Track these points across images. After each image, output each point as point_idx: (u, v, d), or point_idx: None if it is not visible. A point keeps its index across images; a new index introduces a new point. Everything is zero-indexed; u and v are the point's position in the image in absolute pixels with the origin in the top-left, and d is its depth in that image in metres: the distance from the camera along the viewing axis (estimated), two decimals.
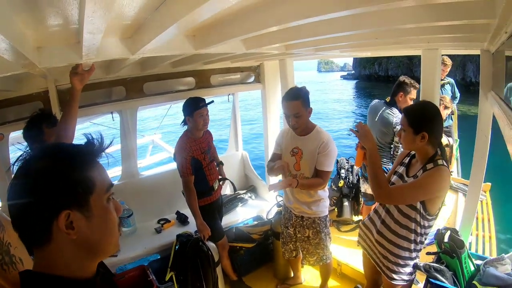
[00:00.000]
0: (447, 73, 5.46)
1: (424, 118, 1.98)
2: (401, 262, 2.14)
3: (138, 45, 1.59)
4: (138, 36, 1.60)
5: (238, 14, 1.47)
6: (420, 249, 2.17)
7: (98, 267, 0.90)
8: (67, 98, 1.98)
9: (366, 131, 2.09)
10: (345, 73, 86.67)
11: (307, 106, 2.61)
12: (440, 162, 1.95)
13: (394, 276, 2.17)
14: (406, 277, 2.19)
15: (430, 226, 2.09)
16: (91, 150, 0.85)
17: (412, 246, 2.10)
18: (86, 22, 0.94)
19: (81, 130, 1.18)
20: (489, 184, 4.84)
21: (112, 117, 3.55)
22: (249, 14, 1.42)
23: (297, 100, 2.55)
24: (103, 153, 0.87)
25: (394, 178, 2.23)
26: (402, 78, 3.58)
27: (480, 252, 3.33)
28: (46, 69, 1.97)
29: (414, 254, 2.14)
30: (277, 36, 1.83)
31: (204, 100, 3.01)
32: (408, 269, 2.18)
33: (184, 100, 3.08)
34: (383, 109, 3.60)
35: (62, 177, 0.78)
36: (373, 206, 2.41)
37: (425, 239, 2.15)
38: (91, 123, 3.87)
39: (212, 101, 3.17)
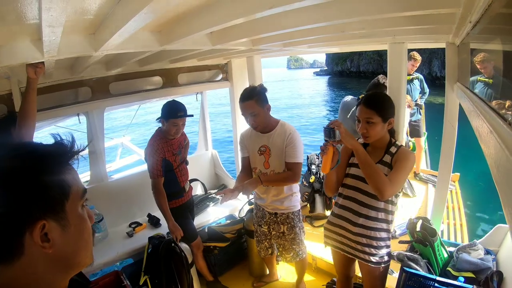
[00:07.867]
0: (416, 68, 5.56)
1: (389, 105, 2.04)
2: (382, 243, 2.14)
3: (101, 41, 1.54)
4: (100, 32, 1.55)
5: (203, 7, 1.44)
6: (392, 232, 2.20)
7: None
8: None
9: (346, 129, 1.97)
10: (317, 70, 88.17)
11: (264, 104, 2.58)
12: (398, 143, 2.07)
13: (377, 258, 2.15)
14: (386, 258, 2.18)
15: (396, 203, 2.16)
16: (64, 151, 0.73)
17: (390, 226, 2.15)
18: (44, 13, 0.90)
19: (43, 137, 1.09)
20: (458, 174, 4.99)
21: (79, 119, 3.43)
22: (214, 7, 1.40)
23: (250, 100, 2.53)
24: (78, 155, 0.76)
25: (353, 169, 2.20)
26: (382, 79, 3.48)
27: (452, 240, 3.42)
28: (8, 68, 1.87)
29: (389, 234, 2.18)
30: (244, 30, 1.81)
31: (184, 110, 2.91)
32: (386, 251, 2.17)
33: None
34: (356, 106, 3.57)
35: (35, 180, 0.67)
36: None
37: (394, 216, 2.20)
38: (56, 126, 3.71)
39: (192, 115, 3.07)
